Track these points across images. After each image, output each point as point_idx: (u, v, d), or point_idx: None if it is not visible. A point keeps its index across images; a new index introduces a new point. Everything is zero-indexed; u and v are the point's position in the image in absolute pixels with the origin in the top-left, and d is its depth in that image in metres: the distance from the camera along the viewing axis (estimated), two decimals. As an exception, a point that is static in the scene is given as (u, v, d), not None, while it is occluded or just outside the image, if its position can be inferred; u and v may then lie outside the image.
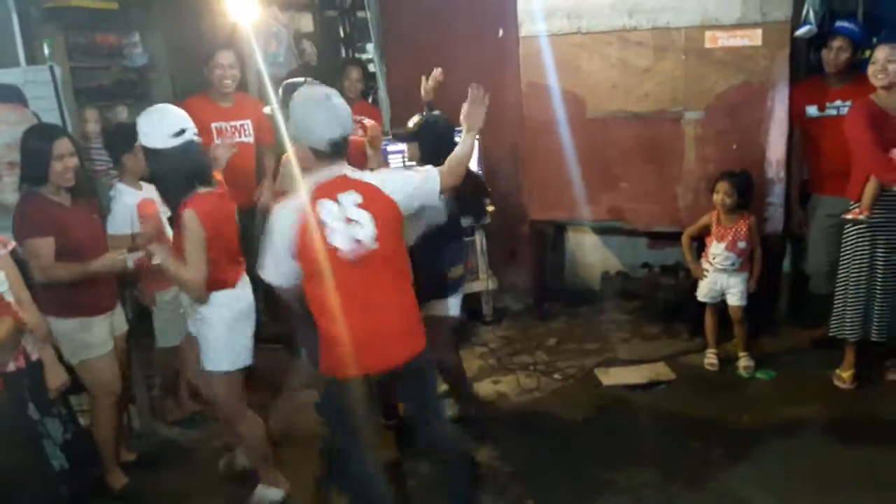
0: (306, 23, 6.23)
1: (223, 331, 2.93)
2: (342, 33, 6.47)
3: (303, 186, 2.50)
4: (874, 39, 3.84)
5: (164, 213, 3.73)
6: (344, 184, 2.49)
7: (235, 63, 4.22)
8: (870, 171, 3.56)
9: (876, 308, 3.67)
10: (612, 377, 4.14)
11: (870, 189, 3.56)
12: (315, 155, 2.50)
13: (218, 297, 2.91)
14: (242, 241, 3.15)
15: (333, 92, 2.55)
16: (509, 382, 4.17)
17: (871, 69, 3.52)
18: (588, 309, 5.10)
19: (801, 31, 3.97)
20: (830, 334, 3.87)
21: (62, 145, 2.99)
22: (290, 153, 2.73)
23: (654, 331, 4.72)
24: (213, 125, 4.19)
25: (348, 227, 2.45)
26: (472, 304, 4.98)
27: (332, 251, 2.44)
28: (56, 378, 2.83)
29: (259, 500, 3.17)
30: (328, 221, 2.44)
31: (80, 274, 3.00)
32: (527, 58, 4.58)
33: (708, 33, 4.17)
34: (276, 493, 3.16)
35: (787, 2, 4.02)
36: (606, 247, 5.23)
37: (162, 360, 3.86)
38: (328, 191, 2.47)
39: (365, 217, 2.46)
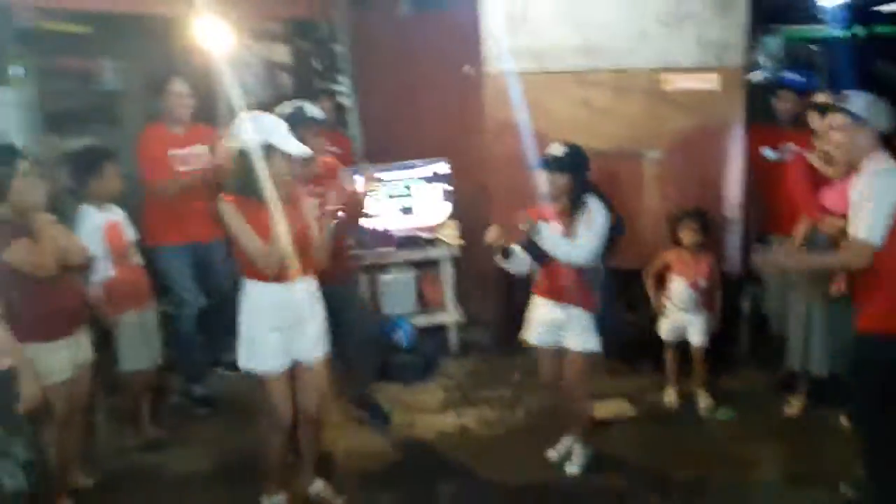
0: (281, 53, 6.31)
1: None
2: (314, 65, 6.56)
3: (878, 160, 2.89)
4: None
5: (130, 235, 3.75)
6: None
7: (188, 91, 4.20)
8: (801, 210, 3.76)
9: (817, 342, 3.81)
10: (573, 412, 4.18)
11: (801, 227, 3.73)
12: (875, 138, 2.91)
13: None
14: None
15: None
16: (473, 416, 4.20)
17: (815, 140, 3.60)
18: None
19: (752, 76, 4.14)
20: (788, 365, 4.00)
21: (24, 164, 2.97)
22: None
23: (617, 367, 4.74)
24: (170, 153, 4.14)
25: None
26: (438, 336, 5.03)
27: None
28: (29, 388, 2.78)
29: None
30: None
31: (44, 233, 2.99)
32: (492, 95, 4.66)
33: (666, 76, 4.30)
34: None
35: (741, 48, 4.18)
36: (571, 282, 5.28)
37: (124, 383, 3.83)
38: None
39: None
